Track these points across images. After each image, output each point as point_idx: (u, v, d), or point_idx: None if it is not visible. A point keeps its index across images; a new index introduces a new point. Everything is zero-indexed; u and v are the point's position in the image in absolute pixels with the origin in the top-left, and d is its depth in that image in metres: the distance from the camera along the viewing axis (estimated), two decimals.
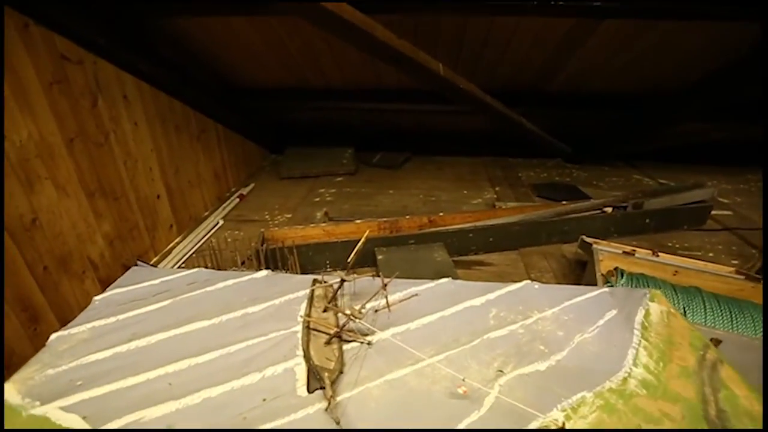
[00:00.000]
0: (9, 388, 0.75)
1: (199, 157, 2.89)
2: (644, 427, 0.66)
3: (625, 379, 0.77)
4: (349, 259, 0.83)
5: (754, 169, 3.67)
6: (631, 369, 0.80)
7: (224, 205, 3.11)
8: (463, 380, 0.71)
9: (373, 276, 0.98)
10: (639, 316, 0.94)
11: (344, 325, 0.79)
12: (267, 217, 3.02)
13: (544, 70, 2.52)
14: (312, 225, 2.41)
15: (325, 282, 0.98)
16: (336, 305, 0.90)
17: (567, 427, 0.63)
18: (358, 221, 2.48)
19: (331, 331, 0.80)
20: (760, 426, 0.69)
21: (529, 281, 1.06)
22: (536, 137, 3.41)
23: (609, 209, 2.58)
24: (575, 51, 2.24)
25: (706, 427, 0.68)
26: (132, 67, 2.11)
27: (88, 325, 0.91)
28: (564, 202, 2.65)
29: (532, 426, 0.67)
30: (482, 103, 2.65)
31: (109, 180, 2.06)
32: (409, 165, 4.11)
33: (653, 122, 2.91)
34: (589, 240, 1.93)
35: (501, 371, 0.78)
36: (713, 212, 2.84)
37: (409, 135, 4.02)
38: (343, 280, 0.85)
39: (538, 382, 0.76)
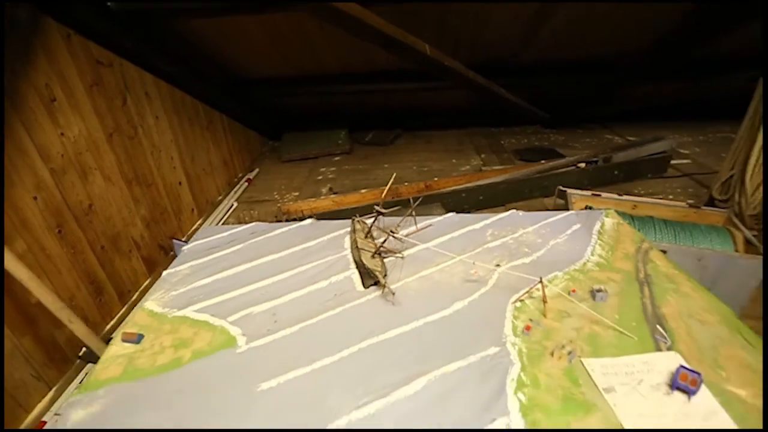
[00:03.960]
0: (150, 304, 1.05)
1: (209, 146, 3.13)
2: (592, 285, 0.99)
3: (584, 263, 1.10)
4: (382, 195, 1.13)
5: (711, 123, 4.05)
6: (589, 258, 1.12)
7: (235, 189, 3.38)
8: (474, 264, 1.03)
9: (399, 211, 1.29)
10: (597, 226, 1.27)
11: (385, 240, 1.10)
12: (276, 196, 3.29)
13: (518, 43, 2.81)
14: (323, 197, 2.70)
15: (360, 221, 1.28)
16: (372, 235, 1.21)
17: (545, 288, 0.95)
18: (363, 191, 2.78)
19: (375, 247, 1.11)
20: (681, 281, 1.02)
21: (514, 210, 1.38)
22: (516, 106, 3.71)
23: (582, 165, 2.92)
24: (544, 25, 2.53)
25: (637, 285, 1.01)
26: (152, 66, 2.34)
27: (187, 265, 1.20)
28: (543, 161, 2.98)
29: (522, 292, 0.99)
30: (465, 78, 2.93)
31: (142, 169, 2.31)
32: (400, 141, 4.40)
33: (617, 83, 3.24)
34: (564, 188, 2.27)
35: (498, 265, 1.10)
36: (675, 162, 3.20)
37: (399, 113, 4.28)
38: (378, 212, 1.15)
39: (525, 270, 1.08)
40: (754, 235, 1.93)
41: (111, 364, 0.88)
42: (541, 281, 0.94)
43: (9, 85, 1.47)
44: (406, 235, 1.21)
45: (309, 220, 1.39)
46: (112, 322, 2.01)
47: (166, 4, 2.05)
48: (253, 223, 1.40)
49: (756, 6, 1.96)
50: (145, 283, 2.28)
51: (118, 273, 2.09)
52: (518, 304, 0.97)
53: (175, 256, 2.49)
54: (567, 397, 0.74)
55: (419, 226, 1.28)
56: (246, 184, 3.49)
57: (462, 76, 2.94)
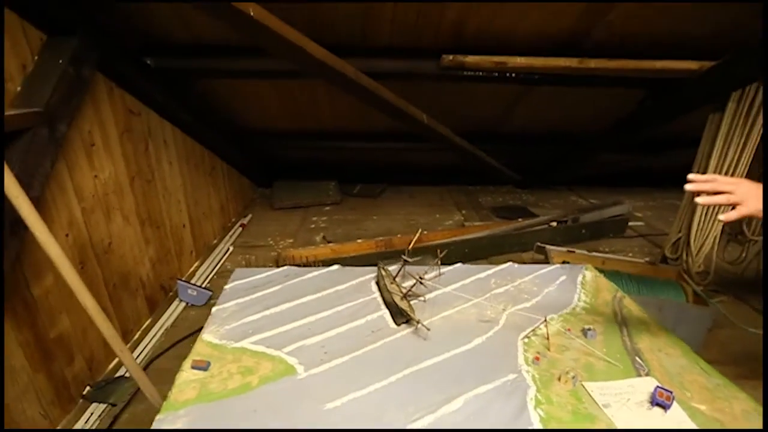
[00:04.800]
0: (208, 336, 1.18)
1: (210, 191, 3.27)
2: (582, 326, 1.22)
3: (573, 308, 1.34)
4: (409, 247, 1.34)
5: (659, 190, 4.63)
6: (576, 303, 1.37)
7: (230, 233, 3.48)
8: (490, 305, 1.24)
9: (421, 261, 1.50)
10: (580, 278, 1.53)
11: (413, 285, 1.30)
12: (271, 242, 3.42)
13: (499, 118, 3.23)
14: (321, 245, 2.87)
15: (385, 268, 1.48)
16: (396, 281, 1.40)
17: (546, 325, 1.17)
18: (359, 240, 2.98)
19: (402, 292, 1.31)
20: (649, 323, 1.27)
21: (511, 262, 1.62)
22: (493, 168, 4.12)
23: (554, 223, 3.28)
24: (521, 104, 2.96)
25: (616, 326, 1.25)
26: (172, 116, 2.53)
27: (233, 302, 1.34)
28: (520, 219, 3.32)
29: (528, 330, 1.20)
30: (452, 142, 3.30)
31: (154, 211, 2.43)
32: (386, 194, 4.69)
33: (582, 154, 3.72)
34: (542, 245, 2.57)
35: (504, 309, 1.32)
36: (631, 223, 3.64)
37: (385, 168, 4.60)
38: (405, 261, 1.36)
39: (527, 312, 1.30)
40: (701, 290, 2.28)
41: (186, 388, 1.00)
42: (545, 321, 1.16)
43: (65, 132, 1.62)
44: (420, 277, 1.42)
45: (335, 266, 1.58)
46: (115, 361, 2.03)
47: (197, 64, 2.30)
48: (286, 267, 1.56)
49: (693, 102, 2.44)
50: (146, 323, 2.32)
51: (125, 312, 2.14)
52: (526, 340, 1.18)
53: (176, 297, 2.56)
54: (575, 412, 0.94)
55: (432, 274, 1.49)
56: (240, 228, 3.61)
57: (449, 141, 3.30)
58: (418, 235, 1.34)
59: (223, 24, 1.87)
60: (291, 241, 3.44)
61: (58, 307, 1.68)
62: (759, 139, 2.23)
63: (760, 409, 0.95)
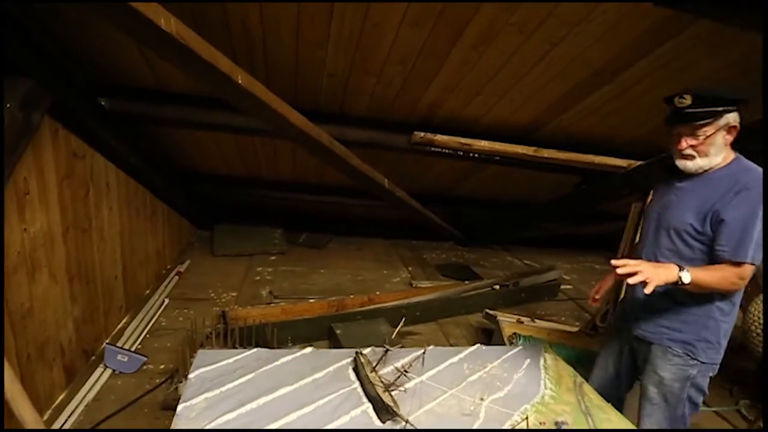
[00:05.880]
0: None
1: (148, 237, 3.00)
2: (554, 417, 1.29)
3: (542, 396, 1.41)
4: (393, 335, 1.34)
5: (581, 253, 5.14)
6: (544, 391, 1.45)
7: (165, 282, 3.17)
8: (480, 399, 1.27)
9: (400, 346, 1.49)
10: (541, 362, 1.62)
11: (398, 377, 1.29)
12: (212, 295, 3.16)
13: (452, 184, 3.44)
14: (272, 304, 2.73)
15: (363, 354, 1.45)
16: (376, 369, 1.38)
17: (525, 419, 1.22)
18: (311, 300, 2.88)
19: (384, 384, 1.29)
20: (609, 411, 1.37)
21: (479, 344, 1.68)
22: (438, 226, 4.30)
23: (497, 287, 3.47)
24: (474, 176, 3.19)
25: (582, 416, 1.34)
26: (119, 159, 2.32)
27: (202, 397, 1.21)
28: (466, 282, 3.47)
29: (507, 424, 1.24)
30: (406, 203, 3.41)
31: (86, 264, 2.15)
32: (332, 245, 4.62)
33: (522, 221, 4.05)
34: (492, 312, 2.70)
35: (482, 398, 1.35)
36: (562, 287, 3.97)
37: (332, 219, 4.57)
38: (387, 349, 1.35)
39: (503, 402, 1.35)
40: None
41: None
42: (527, 419, 1.21)
43: (2, 185, 1.41)
44: (404, 369, 1.41)
45: (309, 349, 1.51)
46: None
47: (160, 112, 2.16)
48: (256, 350, 1.46)
49: (620, 191, 2.81)
50: (61, 398, 1.98)
51: (36, 388, 1.80)
52: None
53: (99, 362, 2.24)
54: None
55: (408, 359, 1.49)
56: (176, 277, 3.30)
57: (404, 202, 3.41)
58: (400, 325, 1.35)
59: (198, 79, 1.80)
60: (234, 294, 3.22)
61: None
62: None
63: None
